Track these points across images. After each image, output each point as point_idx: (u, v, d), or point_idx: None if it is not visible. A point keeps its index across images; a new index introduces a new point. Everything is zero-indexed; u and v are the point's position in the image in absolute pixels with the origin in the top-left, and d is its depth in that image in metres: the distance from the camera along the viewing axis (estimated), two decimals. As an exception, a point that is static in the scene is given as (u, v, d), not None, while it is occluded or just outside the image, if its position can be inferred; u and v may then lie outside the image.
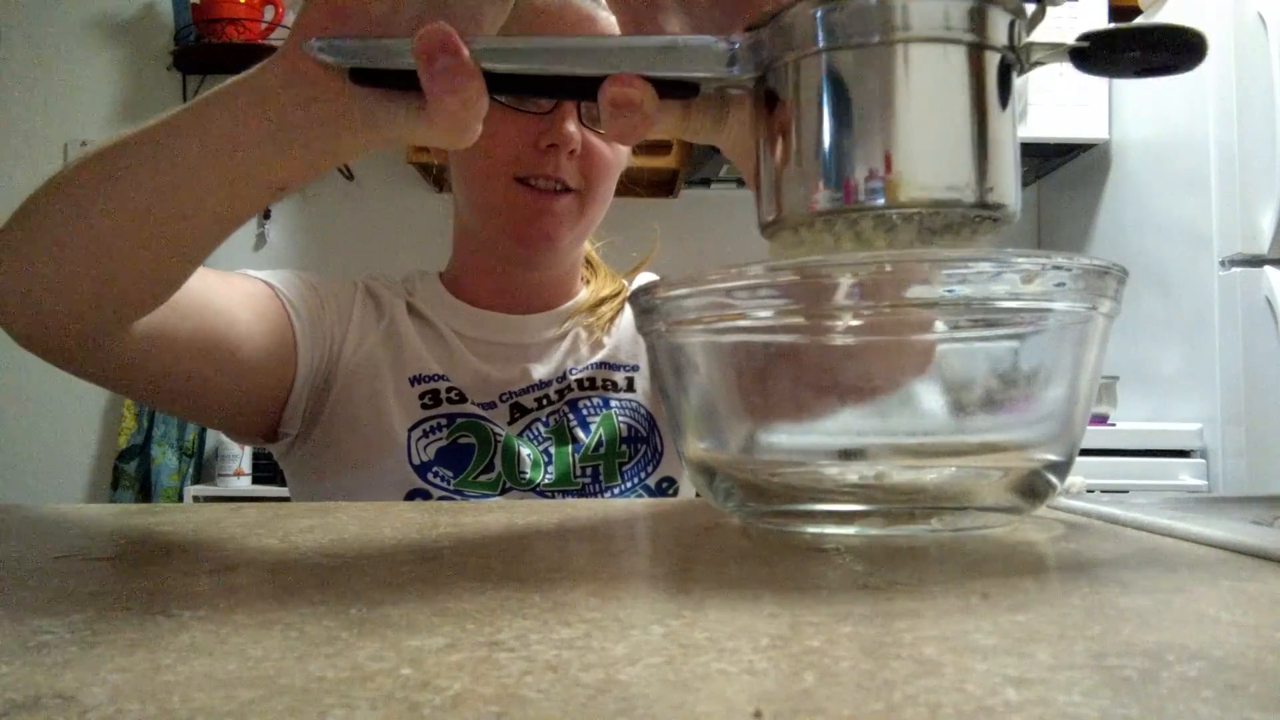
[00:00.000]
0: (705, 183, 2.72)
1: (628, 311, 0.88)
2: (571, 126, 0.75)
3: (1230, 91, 1.81)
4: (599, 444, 0.79)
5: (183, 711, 0.19)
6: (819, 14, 0.40)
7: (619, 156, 0.81)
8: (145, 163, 0.49)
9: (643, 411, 0.82)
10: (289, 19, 2.47)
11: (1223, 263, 1.80)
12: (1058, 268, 0.40)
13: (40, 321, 0.56)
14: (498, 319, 0.84)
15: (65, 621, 0.27)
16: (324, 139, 0.46)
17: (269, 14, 2.47)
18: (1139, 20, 2.09)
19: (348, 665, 0.22)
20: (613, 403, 0.81)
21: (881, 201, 0.39)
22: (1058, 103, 2.23)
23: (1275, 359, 1.71)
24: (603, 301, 0.88)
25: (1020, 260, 0.39)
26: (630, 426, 0.81)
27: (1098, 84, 2.19)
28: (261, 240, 2.64)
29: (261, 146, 0.46)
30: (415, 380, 0.78)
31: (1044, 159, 2.44)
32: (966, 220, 0.40)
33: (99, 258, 0.51)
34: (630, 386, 0.83)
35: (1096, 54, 0.43)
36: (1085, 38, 0.43)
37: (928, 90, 0.39)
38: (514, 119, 0.76)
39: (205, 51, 2.46)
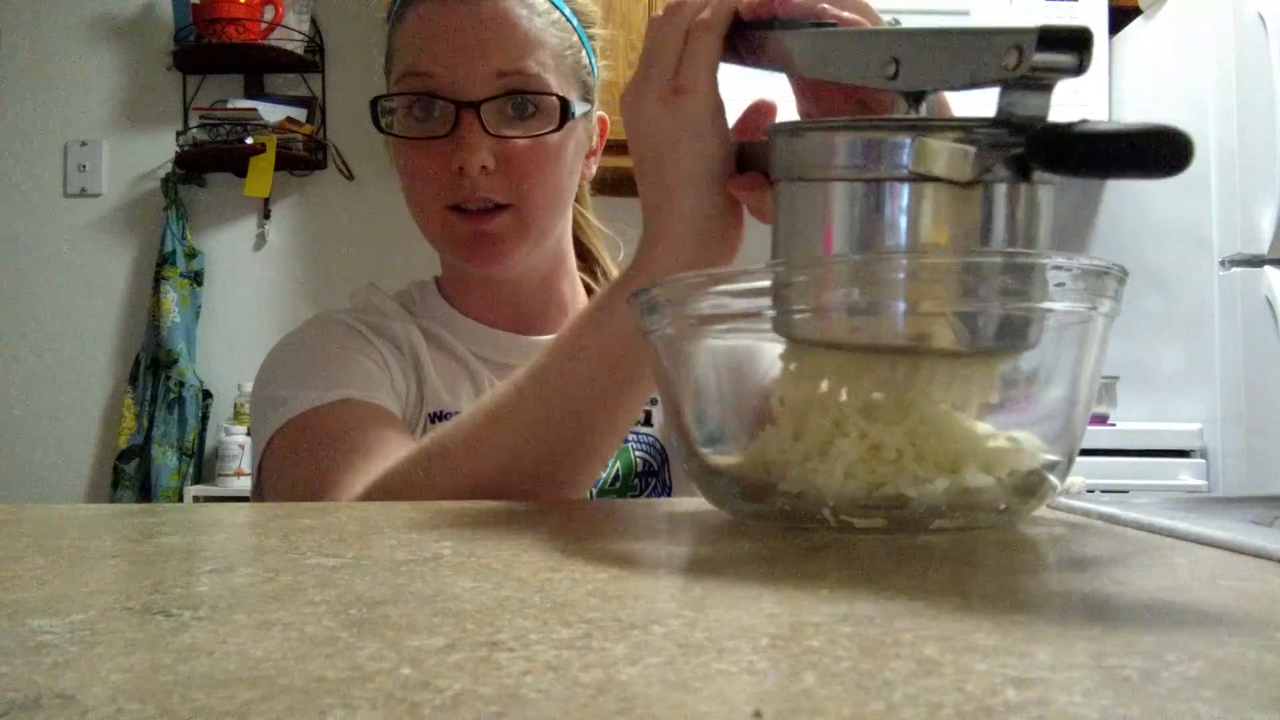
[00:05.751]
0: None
1: None
2: (471, 144, 0.71)
3: (1230, 91, 1.81)
4: (615, 478, 0.78)
5: (183, 711, 0.19)
6: (807, 142, 0.41)
7: (559, 159, 0.75)
8: (544, 419, 0.57)
9: (657, 446, 0.81)
10: (289, 19, 2.47)
11: (1223, 263, 1.80)
12: (1058, 268, 0.40)
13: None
14: (514, 341, 0.82)
15: (65, 621, 0.27)
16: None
17: (269, 14, 2.46)
18: (1139, 20, 2.09)
19: (348, 665, 0.22)
20: (629, 438, 0.80)
21: (892, 339, 0.39)
22: (1058, 102, 2.21)
23: (1275, 359, 1.70)
24: None
25: (1021, 260, 0.39)
26: (645, 461, 0.80)
27: (1097, 84, 2.19)
28: (261, 240, 2.63)
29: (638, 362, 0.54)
30: (435, 418, 0.77)
31: (1044, 159, 2.44)
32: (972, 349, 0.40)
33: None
34: (648, 420, 0.82)
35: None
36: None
37: (933, 224, 0.39)
38: (423, 148, 0.74)
39: (205, 51, 2.46)
